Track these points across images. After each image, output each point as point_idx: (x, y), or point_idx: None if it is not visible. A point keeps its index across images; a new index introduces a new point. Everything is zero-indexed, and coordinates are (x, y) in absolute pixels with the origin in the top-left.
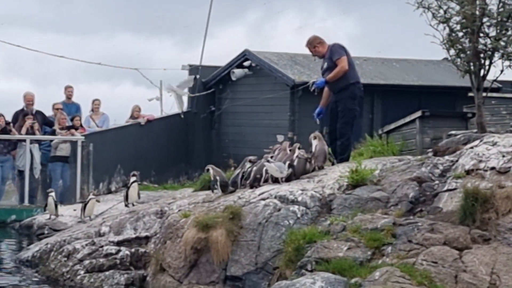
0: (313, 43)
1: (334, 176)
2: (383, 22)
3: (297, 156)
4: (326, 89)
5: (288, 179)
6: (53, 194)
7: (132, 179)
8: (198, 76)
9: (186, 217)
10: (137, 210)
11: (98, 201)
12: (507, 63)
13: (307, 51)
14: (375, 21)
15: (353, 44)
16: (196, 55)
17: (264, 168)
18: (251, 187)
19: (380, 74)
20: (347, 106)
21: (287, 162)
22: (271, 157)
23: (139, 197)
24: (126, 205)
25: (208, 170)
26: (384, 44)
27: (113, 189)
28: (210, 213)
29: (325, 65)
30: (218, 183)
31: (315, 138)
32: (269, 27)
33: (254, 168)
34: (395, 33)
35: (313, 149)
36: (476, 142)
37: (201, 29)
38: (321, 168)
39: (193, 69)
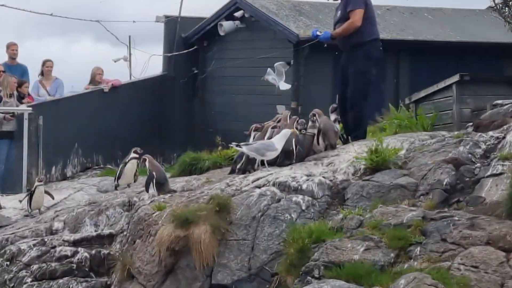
0: None
1: (348, 157)
2: None
3: (300, 131)
4: None
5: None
6: None
7: (133, 155)
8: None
9: (161, 210)
10: (98, 201)
11: (48, 193)
12: None
13: None
14: None
15: None
16: (174, 3)
17: (293, 140)
18: (243, 171)
19: (408, 28)
20: (359, 68)
21: (293, 140)
22: (276, 126)
23: (135, 180)
24: (116, 188)
25: (144, 162)
26: None
27: (69, 174)
28: (191, 204)
29: (338, 14)
30: (154, 181)
31: (314, 115)
32: None
33: (245, 148)
34: None
35: (319, 125)
36: None
37: None
38: (333, 147)
39: (170, 22)
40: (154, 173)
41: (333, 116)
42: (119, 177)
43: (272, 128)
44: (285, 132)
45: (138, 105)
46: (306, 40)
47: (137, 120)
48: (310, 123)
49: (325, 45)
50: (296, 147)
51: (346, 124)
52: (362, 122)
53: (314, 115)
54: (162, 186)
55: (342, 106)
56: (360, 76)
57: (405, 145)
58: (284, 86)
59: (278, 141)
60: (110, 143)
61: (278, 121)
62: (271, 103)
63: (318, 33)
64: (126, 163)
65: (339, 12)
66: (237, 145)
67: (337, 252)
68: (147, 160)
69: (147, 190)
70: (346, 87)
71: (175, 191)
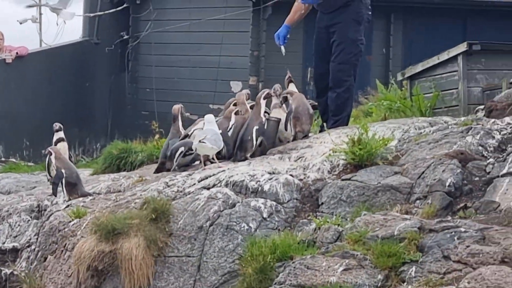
0: None
1: (323, 150)
2: None
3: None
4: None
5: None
6: None
7: (57, 136)
8: None
9: (80, 218)
10: None
11: None
12: None
13: None
14: None
15: None
16: None
17: (255, 128)
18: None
19: None
20: (348, 34)
21: (254, 127)
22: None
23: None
24: (48, 180)
25: (49, 155)
26: None
27: None
28: (120, 210)
29: None
30: (63, 181)
31: (290, 81)
32: None
33: (208, 142)
34: None
35: (290, 105)
36: None
37: None
38: (306, 135)
39: None
40: (62, 171)
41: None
42: (48, 168)
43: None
44: (210, 118)
45: (50, 80)
46: None
47: (50, 99)
48: (273, 104)
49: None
50: (257, 136)
51: (324, 107)
52: (347, 105)
53: (286, 95)
54: (73, 188)
55: (321, 85)
56: (349, 44)
57: (397, 134)
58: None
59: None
60: (14, 130)
61: (234, 104)
62: (224, 79)
63: None
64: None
65: None
66: (200, 142)
67: (308, 273)
68: (53, 154)
69: (54, 194)
70: (325, 60)
71: (90, 195)
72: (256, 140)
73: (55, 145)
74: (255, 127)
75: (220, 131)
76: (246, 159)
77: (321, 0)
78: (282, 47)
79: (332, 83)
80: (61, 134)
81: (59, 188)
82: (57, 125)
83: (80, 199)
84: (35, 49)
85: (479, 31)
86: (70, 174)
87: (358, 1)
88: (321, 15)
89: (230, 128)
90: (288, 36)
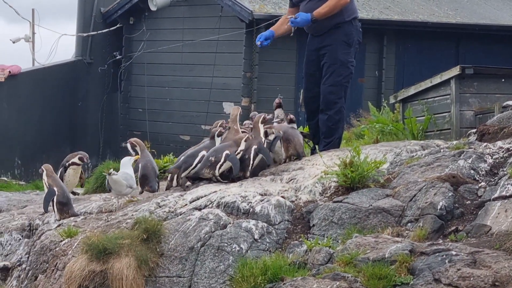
0: None
1: (314, 172)
2: None
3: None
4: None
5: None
6: None
7: (76, 160)
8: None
9: (71, 237)
10: None
11: None
12: None
13: None
14: None
15: None
16: None
17: (253, 148)
18: (233, 180)
19: (394, 5)
20: (338, 57)
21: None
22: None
23: (82, 185)
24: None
25: (41, 174)
26: None
27: None
28: (111, 230)
29: None
30: (55, 200)
31: (278, 107)
32: None
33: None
34: None
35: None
36: None
37: None
38: (299, 157)
39: None
40: (55, 189)
41: (279, 113)
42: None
43: (218, 135)
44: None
45: (43, 99)
46: (263, 19)
47: (42, 118)
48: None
49: (291, 34)
50: (254, 156)
51: (314, 130)
52: (338, 127)
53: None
54: (64, 207)
55: (311, 108)
56: (339, 66)
57: (389, 157)
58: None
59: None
60: (5, 149)
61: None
62: (217, 100)
63: (293, 18)
64: (65, 168)
65: None
66: (109, 174)
67: None
68: (45, 172)
69: (45, 210)
70: (315, 83)
71: (78, 215)
72: (254, 160)
73: (69, 167)
74: (254, 147)
75: (227, 152)
76: (245, 178)
77: (310, 23)
78: (259, 42)
79: (323, 105)
80: (78, 161)
81: (50, 207)
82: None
83: (72, 218)
84: (28, 68)
85: (471, 55)
86: (62, 193)
87: (349, 23)
88: (311, 38)
89: (238, 153)
90: (269, 42)
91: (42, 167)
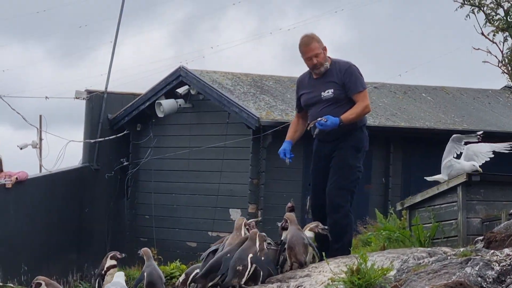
0: (316, 48)
1: (321, 279)
2: (407, 26)
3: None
4: (296, 120)
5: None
6: None
7: (110, 262)
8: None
9: None
10: None
11: None
12: None
13: (279, 72)
14: (392, 25)
15: (356, 60)
16: (98, 75)
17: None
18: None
19: (401, 112)
20: (347, 161)
21: (249, 255)
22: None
23: None
24: None
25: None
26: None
27: None
28: None
29: (330, 92)
30: None
31: (292, 211)
32: (210, 27)
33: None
34: (424, 47)
35: (284, 236)
36: None
37: (104, 32)
38: (301, 265)
39: (93, 99)
40: None
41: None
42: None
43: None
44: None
45: (50, 205)
46: (270, 126)
47: (49, 224)
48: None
49: (314, 136)
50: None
51: (321, 235)
52: (346, 231)
53: (287, 220)
54: None
55: (317, 215)
56: (347, 171)
57: (396, 264)
58: None
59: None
60: (12, 255)
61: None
62: (223, 206)
63: (323, 121)
64: (102, 276)
65: (329, 89)
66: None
67: None
68: (42, 284)
69: None
70: (324, 190)
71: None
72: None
73: (108, 270)
74: (250, 255)
75: (251, 255)
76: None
77: (337, 126)
78: (287, 159)
79: (329, 209)
80: (113, 262)
81: None
82: (113, 254)
83: None
84: (35, 174)
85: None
86: None
87: (360, 130)
88: (319, 145)
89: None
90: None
91: (39, 279)
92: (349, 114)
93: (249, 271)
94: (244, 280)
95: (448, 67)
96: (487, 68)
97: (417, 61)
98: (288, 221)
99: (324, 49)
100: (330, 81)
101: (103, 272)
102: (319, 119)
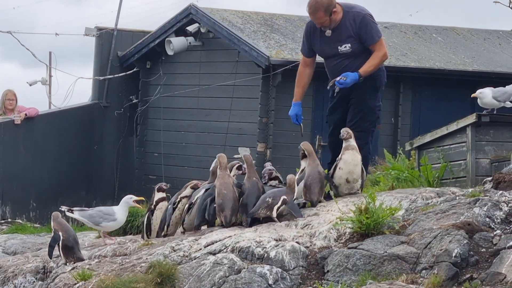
0: (329, 8)
1: (329, 218)
2: None
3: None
4: (303, 71)
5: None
6: None
7: (158, 195)
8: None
9: (85, 280)
10: (3, 266)
11: None
12: None
13: (289, 10)
14: None
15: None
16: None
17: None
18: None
19: (411, 52)
20: (367, 103)
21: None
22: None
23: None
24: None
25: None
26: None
27: None
28: (125, 274)
29: (347, 47)
30: (60, 244)
31: (304, 155)
32: None
33: (78, 214)
34: None
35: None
36: None
37: None
38: (313, 204)
39: (103, 36)
40: (60, 234)
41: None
42: (147, 231)
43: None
44: (126, 200)
45: (59, 142)
46: (280, 64)
47: (58, 161)
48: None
49: (335, 94)
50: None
51: None
52: (364, 172)
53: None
54: (70, 251)
55: (336, 153)
56: (367, 112)
57: (405, 204)
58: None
59: (120, 210)
60: (21, 191)
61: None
62: (232, 145)
63: (342, 79)
64: (152, 211)
65: (345, 43)
66: (69, 210)
67: None
68: (52, 218)
69: (49, 256)
70: (341, 126)
71: (83, 260)
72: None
73: (157, 204)
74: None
75: (285, 197)
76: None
77: (359, 81)
78: (301, 125)
79: None
80: (161, 195)
81: (56, 249)
82: (160, 185)
83: (86, 261)
84: (44, 111)
85: None
86: (67, 237)
87: (379, 71)
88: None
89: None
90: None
91: (54, 213)
92: (368, 67)
93: (278, 207)
94: (273, 213)
95: (459, 7)
96: (498, 8)
97: (429, 1)
98: (306, 153)
99: (334, 6)
100: (345, 35)
101: (152, 206)
102: (338, 78)
